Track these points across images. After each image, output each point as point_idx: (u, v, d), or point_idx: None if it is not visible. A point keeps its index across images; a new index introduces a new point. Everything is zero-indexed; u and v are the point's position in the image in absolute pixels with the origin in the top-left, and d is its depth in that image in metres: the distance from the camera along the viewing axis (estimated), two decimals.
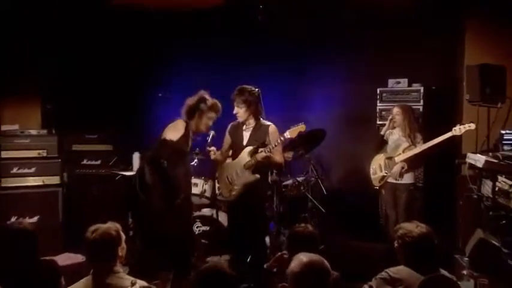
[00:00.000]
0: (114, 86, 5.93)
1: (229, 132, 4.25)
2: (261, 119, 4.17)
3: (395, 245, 2.80)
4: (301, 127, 4.01)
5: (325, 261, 2.26)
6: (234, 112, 4.12)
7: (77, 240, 2.94)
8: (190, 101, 3.96)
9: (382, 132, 4.95)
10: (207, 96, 3.98)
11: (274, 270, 3.04)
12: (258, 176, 4.11)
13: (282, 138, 4.01)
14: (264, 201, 4.44)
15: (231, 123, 4.27)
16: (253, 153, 4.08)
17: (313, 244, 2.78)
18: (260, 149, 4.04)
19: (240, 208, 4.12)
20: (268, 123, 4.18)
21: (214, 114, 3.98)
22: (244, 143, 4.14)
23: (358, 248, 4.68)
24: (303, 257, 2.26)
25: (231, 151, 4.26)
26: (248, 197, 4.09)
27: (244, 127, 4.17)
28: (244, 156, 4.09)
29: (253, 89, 4.10)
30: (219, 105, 4.00)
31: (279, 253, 3.19)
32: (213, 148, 4.15)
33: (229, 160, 4.28)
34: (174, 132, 3.83)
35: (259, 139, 4.10)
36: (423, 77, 5.45)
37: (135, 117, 6.04)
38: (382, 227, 5.29)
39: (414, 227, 2.75)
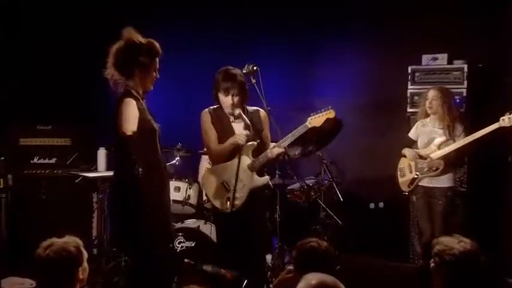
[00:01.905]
0: (72, 64, 5.92)
1: (212, 123, 4.17)
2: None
3: (431, 264, 2.80)
4: (329, 113, 4.05)
5: (340, 284, 2.26)
6: (223, 102, 4.07)
7: (25, 259, 2.93)
8: (118, 49, 3.58)
9: (411, 134, 4.95)
10: (137, 37, 3.55)
11: None
12: (267, 177, 4.17)
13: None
14: (266, 210, 4.45)
15: (207, 111, 4.18)
16: (255, 151, 4.09)
17: (328, 264, 2.78)
18: (273, 144, 4.08)
19: (238, 220, 4.08)
20: (254, 108, 4.21)
21: (157, 59, 3.63)
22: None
23: (383, 269, 4.69)
24: (312, 279, 2.25)
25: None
26: (252, 206, 4.11)
27: (232, 118, 4.15)
28: (247, 155, 4.10)
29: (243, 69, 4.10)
30: (156, 43, 3.61)
31: (285, 271, 3.20)
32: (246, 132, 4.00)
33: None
34: (127, 118, 3.41)
35: (257, 130, 4.11)
36: (467, 52, 5.45)
37: (99, 103, 6.02)
38: (413, 243, 5.30)
39: (456, 243, 2.75)
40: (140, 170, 3.37)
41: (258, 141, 4.10)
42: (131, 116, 3.42)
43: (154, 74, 3.61)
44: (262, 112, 4.20)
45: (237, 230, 4.09)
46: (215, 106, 4.18)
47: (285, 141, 4.07)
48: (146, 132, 3.50)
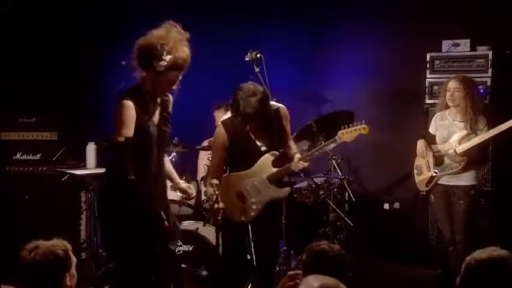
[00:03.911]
0: (58, 52, 5.92)
1: (227, 134, 4.16)
2: None
3: (462, 272, 2.75)
4: (362, 128, 4.07)
5: (343, 287, 2.26)
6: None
7: (8, 265, 2.93)
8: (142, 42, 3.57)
9: (431, 129, 4.93)
10: (164, 40, 3.49)
11: None
12: (288, 189, 4.21)
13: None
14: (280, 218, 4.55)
15: (225, 121, 4.20)
16: (277, 161, 4.11)
17: (340, 270, 2.77)
18: (297, 156, 4.07)
19: (250, 228, 4.14)
20: (275, 104, 4.19)
21: (177, 71, 3.59)
22: (262, 147, 4.15)
23: (398, 276, 4.70)
24: (312, 282, 2.23)
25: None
26: (267, 216, 4.15)
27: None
28: (267, 165, 4.12)
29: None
30: (180, 59, 3.55)
31: (286, 277, 3.20)
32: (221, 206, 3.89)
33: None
34: (122, 122, 3.48)
35: (279, 136, 4.13)
36: (492, 38, 5.42)
37: (88, 94, 6.04)
38: (432, 247, 5.30)
39: (491, 255, 2.70)
40: (131, 176, 3.41)
41: (281, 150, 4.11)
42: (126, 120, 3.47)
43: (164, 85, 3.59)
44: (283, 109, 4.19)
45: (246, 239, 4.16)
46: (231, 116, 4.15)
47: (311, 155, 4.11)
48: (141, 137, 3.51)
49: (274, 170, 4.11)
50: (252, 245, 4.20)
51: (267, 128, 4.12)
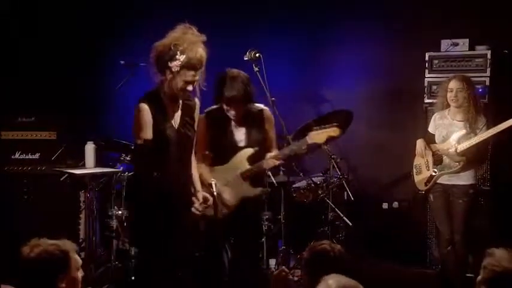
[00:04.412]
0: (57, 52, 5.90)
1: (207, 125, 4.14)
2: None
3: (479, 277, 2.73)
4: (332, 131, 3.99)
5: None
6: (230, 112, 4.05)
7: (7, 265, 2.91)
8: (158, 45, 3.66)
9: (430, 128, 4.91)
10: (175, 41, 3.56)
11: None
12: (260, 189, 4.17)
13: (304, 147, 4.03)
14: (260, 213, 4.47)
15: (208, 111, 4.17)
16: (253, 158, 4.08)
17: (341, 269, 2.76)
18: (269, 155, 4.05)
19: (225, 225, 4.07)
20: (260, 106, 4.17)
21: (192, 71, 3.61)
22: (240, 142, 4.13)
23: (397, 275, 4.68)
24: (332, 283, 2.23)
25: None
26: (243, 212, 4.10)
27: (232, 118, 4.13)
28: (241, 161, 4.10)
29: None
30: (199, 53, 3.59)
31: (277, 272, 3.19)
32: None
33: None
34: (138, 126, 3.60)
35: (258, 135, 4.12)
36: (491, 37, 5.41)
37: (87, 93, 6.02)
38: (430, 246, 5.28)
39: (508, 259, 2.68)
40: (157, 174, 3.56)
41: (257, 148, 4.09)
42: (141, 123, 3.59)
43: (180, 85, 3.60)
44: (267, 111, 4.18)
45: (223, 236, 4.14)
46: (215, 107, 4.15)
47: (282, 154, 4.07)
48: (157, 139, 3.60)
49: (248, 167, 4.07)
50: (227, 245, 4.18)
51: (247, 122, 4.09)
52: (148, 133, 3.57)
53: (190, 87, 3.61)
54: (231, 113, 4.06)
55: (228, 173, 4.08)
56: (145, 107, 3.58)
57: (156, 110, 3.60)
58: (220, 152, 4.14)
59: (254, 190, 4.14)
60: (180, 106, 3.72)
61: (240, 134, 4.13)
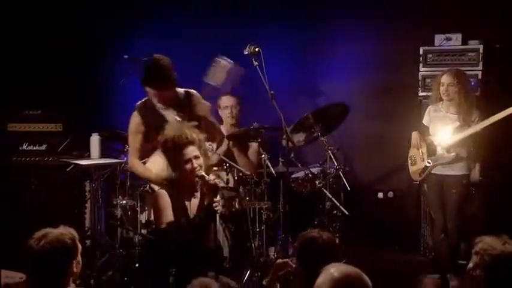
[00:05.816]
0: (63, 45, 5.90)
1: (140, 116, 4.17)
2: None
3: (471, 264, 2.75)
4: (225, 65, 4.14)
5: (365, 277, 2.19)
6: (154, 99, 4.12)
7: (14, 252, 2.94)
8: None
9: (425, 121, 4.94)
10: None
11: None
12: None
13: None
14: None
15: (140, 104, 4.20)
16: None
17: (332, 257, 2.77)
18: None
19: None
20: (183, 90, 4.21)
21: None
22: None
23: (392, 262, 4.71)
24: (334, 271, 2.18)
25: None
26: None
27: (158, 106, 4.14)
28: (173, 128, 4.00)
29: None
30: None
31: (279, 263, 3.19)
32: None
33: None
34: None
35: (189, 116, 4.11)
36: (483, 32, 5.43)
37: (92, 87, 6.02)
38: (424, 235, 5.32)
39: (500, 244, 2.70)
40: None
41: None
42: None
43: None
44: (194, 95, 4.21)
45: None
46: (143, 99, 4.20)
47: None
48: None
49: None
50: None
51: (173, 105, 4.11)
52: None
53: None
54: (155, 100, 4.10)
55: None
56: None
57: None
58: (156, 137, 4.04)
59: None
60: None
61: (170, 115, 4.11)
